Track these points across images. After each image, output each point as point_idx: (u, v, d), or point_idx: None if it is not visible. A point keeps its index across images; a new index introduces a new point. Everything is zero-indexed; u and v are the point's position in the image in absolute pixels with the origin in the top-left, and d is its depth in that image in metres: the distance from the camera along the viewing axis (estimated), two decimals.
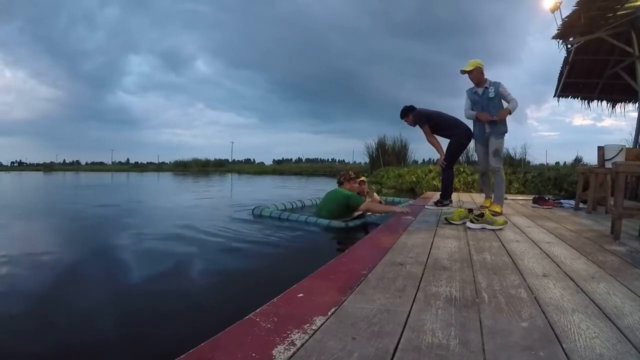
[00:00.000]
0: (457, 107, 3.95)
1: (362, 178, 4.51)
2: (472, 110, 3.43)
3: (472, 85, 3.43)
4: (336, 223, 3.51)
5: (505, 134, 3.33)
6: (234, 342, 0.84)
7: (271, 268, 2.35)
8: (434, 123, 3.69)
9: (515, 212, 3.45)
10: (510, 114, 3.24)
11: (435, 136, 3.78)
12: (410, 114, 3.79)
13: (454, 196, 4.80)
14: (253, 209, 4.42)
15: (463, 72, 3.34)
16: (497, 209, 3.27)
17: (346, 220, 3.60)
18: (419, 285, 1.26)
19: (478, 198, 5.12)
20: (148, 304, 1.77)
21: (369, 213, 3.84)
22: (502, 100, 3.32)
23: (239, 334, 0.87)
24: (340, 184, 4.04)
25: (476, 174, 8.71)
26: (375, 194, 4.74)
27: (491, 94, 3.29)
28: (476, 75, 3.32)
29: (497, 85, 3.31)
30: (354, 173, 4.18)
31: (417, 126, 3.81)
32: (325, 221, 3.58)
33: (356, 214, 3.72)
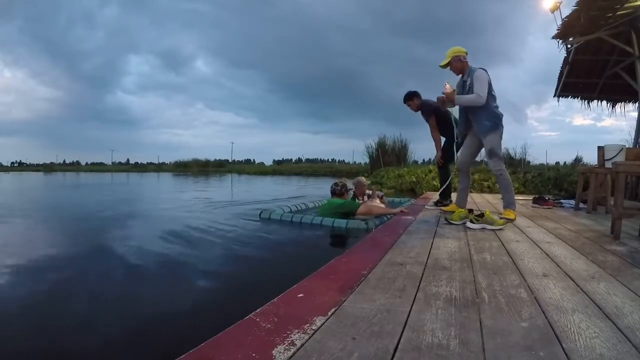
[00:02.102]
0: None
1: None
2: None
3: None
4: (355, 223, 3.39)
5: (495, 130, 2.84)
6: (234, 342, 0.84)
7: (272, 268, 2.35)
8: (438, 117, 3.68)
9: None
10: (453, 101, 2.81)
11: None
12: (416, 99, 3.76)
13: (454, 196, 4.79)
14: (260, 213, 4.15)
15: (442, 66, 2.96)
16: (510, 215, 2.86)
17: (366, 219, 3.53)
18: (419, 285, 1.26)
19: (478, 198, 5.12)
20: (149, 303, 1.77)
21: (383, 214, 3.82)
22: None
23: (239, 334, 0.87)
24: (340, 195, 3.99)
25: (476, 174, 8.71)
26: (378, 193, 4.72)
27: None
28: (455, 65, 2.93)
29: (472, 73, 2.84)
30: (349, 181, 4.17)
31: (422, 117, 3.78)
32: (343, 221, 3.47)
33: (360, 216, 3.71)
